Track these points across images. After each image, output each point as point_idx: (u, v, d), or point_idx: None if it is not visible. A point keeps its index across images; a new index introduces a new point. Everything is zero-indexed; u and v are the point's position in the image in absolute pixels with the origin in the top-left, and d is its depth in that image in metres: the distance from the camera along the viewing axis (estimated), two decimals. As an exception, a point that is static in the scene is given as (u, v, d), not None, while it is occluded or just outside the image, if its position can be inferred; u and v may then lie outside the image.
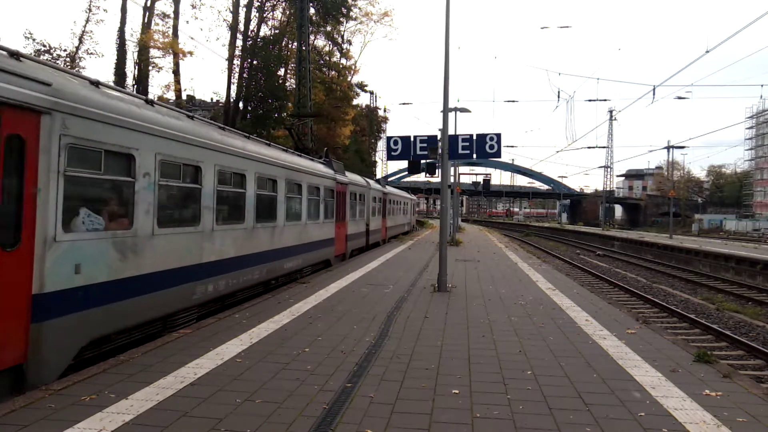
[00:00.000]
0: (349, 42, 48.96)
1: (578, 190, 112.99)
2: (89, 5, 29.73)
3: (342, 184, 18.78)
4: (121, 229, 6.85)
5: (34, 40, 27.02)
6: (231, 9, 35.29)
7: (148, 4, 32.57)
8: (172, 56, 33.32)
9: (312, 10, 34.64)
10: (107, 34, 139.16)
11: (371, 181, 26.41)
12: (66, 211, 5.91)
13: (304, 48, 29.92)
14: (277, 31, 36.82)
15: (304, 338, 7.62)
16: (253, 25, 35.71)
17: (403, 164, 22.65)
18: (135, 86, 31.70)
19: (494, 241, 34.94)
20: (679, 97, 42.25)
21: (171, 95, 34.77)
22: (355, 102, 53.97)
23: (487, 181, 48.54)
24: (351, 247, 20.55)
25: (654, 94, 41.80)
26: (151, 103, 7.93)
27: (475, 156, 12.83)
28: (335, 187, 17.71)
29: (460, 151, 12.65)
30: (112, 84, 8.93)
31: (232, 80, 34.73)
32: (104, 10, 54.74)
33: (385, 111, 69.94)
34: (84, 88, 6.47)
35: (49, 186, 5.69)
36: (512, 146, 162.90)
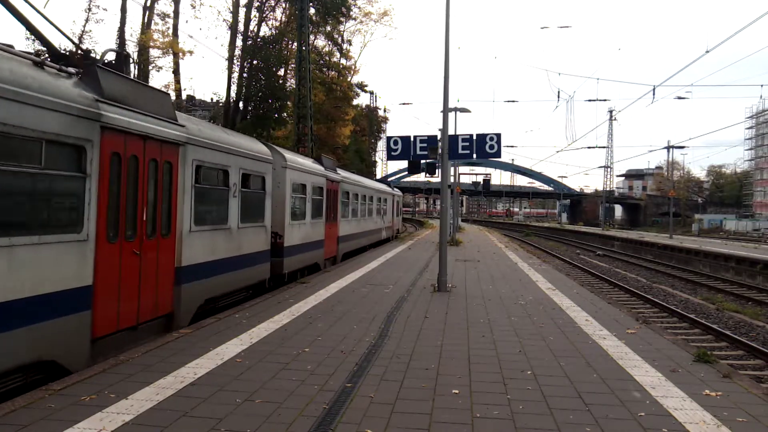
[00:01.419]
0: (349, 42, 49.02)
1: (578, 190, 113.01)
2: (89, 5, 29.74)
3: (135, 134, 7.29)
4: None
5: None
6: (231, 9, 35.29)
7: (148, 4, 32.54)
8: (171, 56, 33.33)
9: (312, 10, 34.63)
10: (107, 34, 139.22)
11: (297, 157, 15.84)
12: None
13: (304, 48, 29.92)
14: (277, 31, 36.81)
15: (304, 338, 7.62)
16: (253, 24, 35.70)
17: (403, 164, 21.80)
18: (135, 86, 31.66)
19: (494, 241, 34.93)
20: (679, 97, 42.29)
21: (171, 95, 34.78)
22: (355, 102, 54.11)
23: (487, 181, 48.67)
24: (202, 297, 9.20)
25: (654, 94, 41.74)
26: None
27: (475, 156, 12.85)
28: (111, 143, 6.87)
29: (460, 151, 12.66)
30: None
31: (232, 80, 34.74)
32: (104, 9, 54.81)
33: (385, 111, 70.12)
34: None
35: None
36: (512, 146, 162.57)
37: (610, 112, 76.18)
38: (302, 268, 14.81)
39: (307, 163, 16.13)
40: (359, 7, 44.58)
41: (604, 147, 78.98)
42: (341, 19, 41.14)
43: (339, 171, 20.12)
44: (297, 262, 14.29)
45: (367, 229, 24.75)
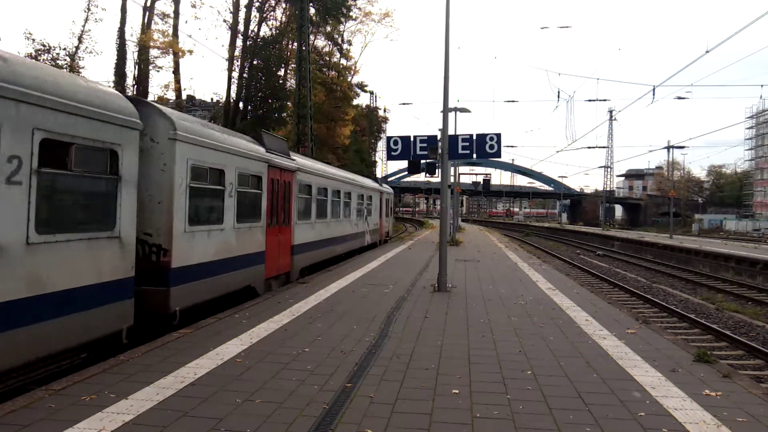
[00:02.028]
0: (349, 42, 49.12)
1: (578, 190, 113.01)
2: (88, 5, 29.73)
3: None
4: None
5: (33, 40, 27.04)
6: (231, 9, 35.31)
7: (148, 4, 32.57)
8: (171, 56, 33.33)
9: (312, 10, 34.65)
10: (107, 34, 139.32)
11: (205, 127, 10.04)
12: None
13: (304, 48, 29.95)
14: (277, 32, 36.85)
15: (304, 338, 7.62)
16: (253, 25, 35.74)
17: (403, 164, 21.66)
18: (135, 86, 31.72)
19: (494, 241, 34.93)
20: (679, 97, 42.35)
21: (171, 95, 34.81)
22: (355, 102, 54.11)
23: (487, 181, 48.70)
24: None
25: (654, 94, 41.87)
26: None
27: (475, 156, 12.85)
28: None
29: (460, 151, 12.66)
30: None
31: (232, 80, 34.75)
32: (103, 9, 54.84)
33: (385, 111, 70.14)
34: None
35: None
36: (512, 146, 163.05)
37: (610, 112, 76.36)
38: (218, 297, 9.71)
39: (229, 138, 10.54)
40: (359, 8, 44.68)
41: (604, 147, 79.16)
42: (341, 19, 41.19)
43: (295, 156, 15.06)
44: (203, 290, 9.14)
45: (341, 233, 19.46)
